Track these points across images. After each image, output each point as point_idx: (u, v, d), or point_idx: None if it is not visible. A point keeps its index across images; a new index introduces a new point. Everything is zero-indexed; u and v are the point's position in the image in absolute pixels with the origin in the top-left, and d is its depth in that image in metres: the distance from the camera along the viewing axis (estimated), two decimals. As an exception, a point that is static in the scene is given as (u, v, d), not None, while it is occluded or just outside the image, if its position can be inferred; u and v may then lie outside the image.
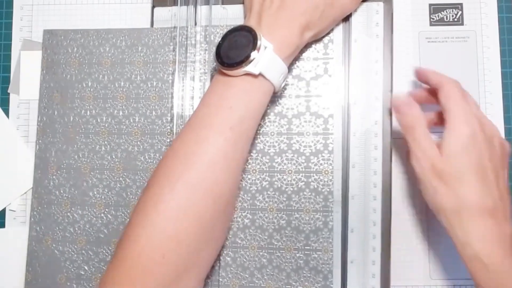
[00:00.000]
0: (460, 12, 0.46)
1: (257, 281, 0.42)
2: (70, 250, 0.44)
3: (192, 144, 0.37)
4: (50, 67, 0.46)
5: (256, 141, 0.43)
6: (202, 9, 0.45)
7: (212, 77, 0.44)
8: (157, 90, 0.44)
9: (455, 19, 0.46)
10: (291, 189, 0.42)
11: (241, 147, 0.38)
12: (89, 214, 0.44)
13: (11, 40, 0.47)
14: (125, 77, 0.45)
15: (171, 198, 0.35)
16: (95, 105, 0.45)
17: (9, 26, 0.48)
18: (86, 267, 0.43)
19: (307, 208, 0.42)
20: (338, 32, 0.43)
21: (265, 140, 0.43)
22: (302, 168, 0.42)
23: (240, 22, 0.42)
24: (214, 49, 0.39)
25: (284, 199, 0.42)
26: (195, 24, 0.45)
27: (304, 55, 0.43)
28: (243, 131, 0.38)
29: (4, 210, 0.46)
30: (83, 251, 0.43)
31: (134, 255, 0.34)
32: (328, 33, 0.43)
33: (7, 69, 0.47)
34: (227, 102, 0.37)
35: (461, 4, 0.46)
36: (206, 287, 0.42)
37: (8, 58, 0.47)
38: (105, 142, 0.44)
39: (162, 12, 0.46)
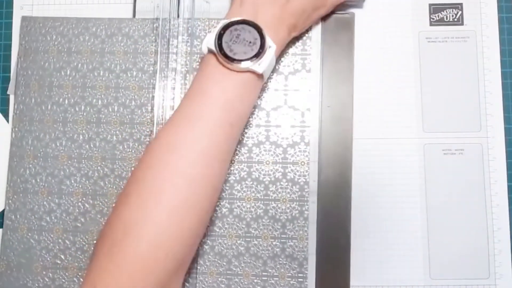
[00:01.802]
0: (460, 12, 0.46)
1: (234, 269, 0.42)
2: (46, 239, 0.43)
3: (189, 136, 0.36)
4: (27, 54, 0.45)
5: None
6: (185, 2, 0.46)
7: (196, 68, 0.44)
8: (137, 80, 0.45)
9: (455, 19, 0.46)
10: (268, 179, 0.43)
11: (236, 140, 0.39)
12: (66, 203, 0.43)
13: (11, 40, 0.47)
14: (105, 66, 0.45)
15: (174, 195, 0.34)
16: (73, 94, 0.45)
17: (9, 26, 0.48)
18: (62, 256, 0.43)
19: (283, 198, 0.43)
20: (317, 31, 0.45)
21: (243, 131, 0.43)
22: (279, 159, 0.43)
23: (222, 15, 0.42)
24: (213, 38, 0.38)
25: (262, 188, 0.43)
26: (178, 16, 0.45)
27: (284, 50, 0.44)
28: (241, 126, 0.39)
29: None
30: (60, 240, 0.43)
31: (137, 257, 0.33)
32: (307, 31, 0.44)
33: (7, 69, 0.47)
34: (227, 97, 0.37)
35: (461, 4, 0.46)
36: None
37: (8, 58, 0.47)
38: (84, 131, 0.44)
39: (145, 3, 0.46)
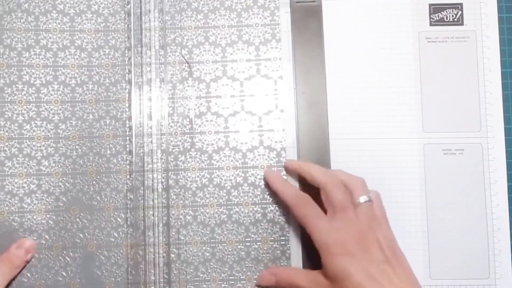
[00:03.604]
0: (460, 12, 0.46)
1: (217, 237, 0.43)
2: (28, 220, 0.42)
3: None
4: None
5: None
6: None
7: (168, 43, 0.44)
8: (110, 58, 0.44)
9: (455, 19, 0.46)
10: (246, 147, 0.44)
11: None
12: (46, 184, 0.43)
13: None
14: (76, 44, 0.44)
15: None
16: (45, 73, 0.44)
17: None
18: (47, 236, 0.43)
19: (262, 164, 0.44)
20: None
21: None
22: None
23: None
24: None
25: (240, 156, 0.44)
26: None
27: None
28: None
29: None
30: (43, 221, 0.43)
31: None
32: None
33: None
34: None
35: (461, 4, 0.46)
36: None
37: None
38: (59, 111, 0.44)
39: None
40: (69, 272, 0.42)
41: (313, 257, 0.40)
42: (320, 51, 0.45)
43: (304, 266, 0.42)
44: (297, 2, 0.45)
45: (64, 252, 0.42)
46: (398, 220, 0.43)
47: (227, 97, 0.44)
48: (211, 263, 0.43)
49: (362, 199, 0.39)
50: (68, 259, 0.42)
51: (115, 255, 0.42)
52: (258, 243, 0.43)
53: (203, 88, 0.44)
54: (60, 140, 0.44)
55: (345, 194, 0.39)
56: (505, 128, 0.44)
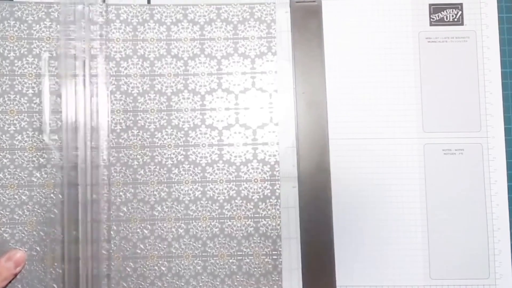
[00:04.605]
0: (460, 12, 0.46)
1: (209, 250, 0.43)
2: (19, 232, 0.42)
3: None
4: None
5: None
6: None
7: (94, 55, 0.43)
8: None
9: (455, 19, 0.46)
10: (240, 161, 0.44)
11: None
12: (37, 195, 0.43)
13: None
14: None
15: None
16: (37, 83, 0.43)
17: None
18: (38, 248, 0.42)
19: (255, 178, 0.43)
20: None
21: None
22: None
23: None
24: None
25: (234, 170, 0.43)
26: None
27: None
28: None
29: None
30: (34, 232, 0.42)
31: None
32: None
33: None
34: None
35: (461, 4, 0.46)
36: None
37: None
38: (52, 122, 0.43)
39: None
40: (61, 284, 0.42)
41: (312, 271, 0.40)
42: (320, 51, 0.45)
43: (304, 280, 0.42)
44: (297, 2, 0.45)
45: (56, 264, 0.42)
46: (398, 220, 0.43)
47: (221, 110, 0.44)
48: (203, 277, 0.43)
49: None
50: (60, 271, 0.42)
51: (107, 267, 0.42)
52: (250, 257, 0.43)
53: (197, 101, 0.44)
54: (53, 151, 0.43)
55: None
56: (505, 128, 0.44)
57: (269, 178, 0.44)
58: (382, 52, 0.45)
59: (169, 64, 0.44)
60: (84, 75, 0.43)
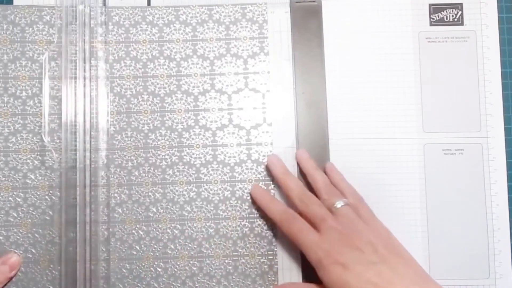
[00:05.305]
0: (460, 12, 0.46)
1: (205, 251, 0.43)
2: (14, 234, 0.42)
3: None
4: None
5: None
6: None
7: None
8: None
9: (455, 19, 0.46)
10: (234, 161, 0.44)
11: None
12: (32, 197, 0.42)
13: None
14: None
15: None
16: (31, 86, 0.43)
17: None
18: (33, 250, 0.42)
19: (249, 178, 0.43)
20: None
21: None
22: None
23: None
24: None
25: (228, 170, 0.43)
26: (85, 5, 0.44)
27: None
28: None
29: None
30: (29, 234, 0.42)
31: None
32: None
33: None
34: None
35: (461, 4, 0.46)
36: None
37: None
38: (46, 124, 0.43)
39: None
40: (57, 286, 0.42)
41: (310, 271, 0.40)
42: (320, 51, 0.45)
43: (305, 279, 0.42)
44: (297, 2, 0.45)
45: (51, 266, 0.42)
46: (398, 220, 0.43)
47: (215, 111, 0.44)
48: (199, 277, 0.43)
49: (339, 204, 0.38)
50: (56, 273, 0.42)
51: (103, 268, 0.42)
52: (245, 258, 0.43)
53: (191, 102, 0.44)
54: (48, 153, 0.43)
55: (320, 206, 0.39)
56: (505, 128, 0.44)
57: (263, 178, 0.44)
58: (382, 52, 0.45)
59: (162, 65, 0.44)
60: (84, 77, 0.43)
